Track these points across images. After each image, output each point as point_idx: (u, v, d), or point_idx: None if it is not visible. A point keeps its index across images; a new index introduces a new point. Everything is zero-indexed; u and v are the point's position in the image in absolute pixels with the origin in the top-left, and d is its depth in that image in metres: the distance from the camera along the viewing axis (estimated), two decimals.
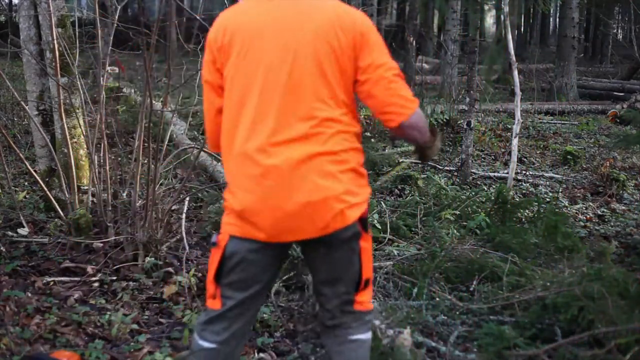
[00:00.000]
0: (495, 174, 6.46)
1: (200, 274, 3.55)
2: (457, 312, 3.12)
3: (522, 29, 29.22)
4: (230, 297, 1.99)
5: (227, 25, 1.96)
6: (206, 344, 2.02)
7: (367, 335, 2.09)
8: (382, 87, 1.92)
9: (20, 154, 4.06)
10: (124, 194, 4.15)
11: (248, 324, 2.06)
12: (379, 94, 1.92)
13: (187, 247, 3.81)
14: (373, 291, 3.28)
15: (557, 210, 4.64)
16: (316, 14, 1.92)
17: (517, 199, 5.09)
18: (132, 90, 8.96)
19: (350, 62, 1.91)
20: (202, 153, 4.91)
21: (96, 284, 3.44)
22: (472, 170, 6.37)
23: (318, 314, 2.16)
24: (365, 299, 2.05)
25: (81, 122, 4.17)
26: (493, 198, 4.70)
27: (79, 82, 4.06)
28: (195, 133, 6.99)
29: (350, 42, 1.90)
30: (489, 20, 25.74)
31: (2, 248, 3.72)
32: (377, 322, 2.77)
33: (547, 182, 6.32)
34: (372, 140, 7.00)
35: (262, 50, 1.90)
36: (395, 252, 3.92)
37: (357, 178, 1.92)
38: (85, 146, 4.28)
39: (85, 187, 4.18)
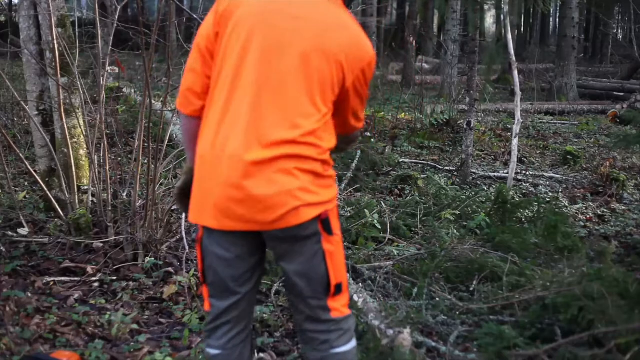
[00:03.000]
0: (495, 174, 6.46)
1: (199, 274, 3.54)
2: (457, 312, 3.12)
3: (522, 29, 29.24)
4: (216, 297, 2.00)
5: None
6: (212, 351, 2.02)
7: (350, 346, 1.99)
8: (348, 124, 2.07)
9: (20, 154, 4.06)
10: (124, 194, 4.15)
11: (247, 326, 2.04)
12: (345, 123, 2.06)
13: (187, 247, 3.81)
14: (373, 291, 3.28)
15: (557, 210, 4.63)
16: (333, 28, 1.89)
17: (517, 199, 5.08)
18: (132, 90, 8.96)
19: (346, 86, 1.92)
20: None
21: (96, 284, 3.45)
22: (472, 170, 6.37)
23: (295, 322, 2.08)
24: (340, 305, 1.96)
25: (81, 122, 4.17)
26: (493, 198, 4.70)
27: (79, 82, 4.06)
28: None
29: (356, 71, 1.91)
30: (489, 20, 25.76)
31: (2, 248, 3.72)
32: (377, 322, 2.77)
33: (547, 182, 6.32)
34: (372, 140, 7.00)
35: (260, 37, 1.85)
36: (395, 252, 3.92)
37: (317, 179, 1.85)
38: (85, 146, 4.28)
39: (85, 187, 4.18)
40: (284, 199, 1.79)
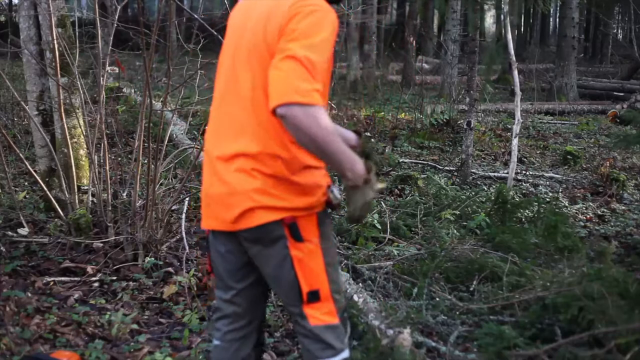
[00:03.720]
0: (495, 174, 6.46)
1: (200, 274, 3.55)
2: (457, 312, 3.12)
3: (522, 29, 29.25)
4: (219, 288, 2.04)
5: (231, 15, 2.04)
6: (214, 341, 2.07)
7: (336, 359, 1.89)
8: (273, 68, 1.68)
9: (20, 154, 4.06)
10: (124, 194, 4.15)
11: (248, 325, 2.03)
12: (269, 76, 1.70)
13: (187, 247, 3.81)
14: (373, 291, 3.28)
15: (557, 210, 4.63)
16: (259, 8, 1.85)
17: (517, 199, 5.08)
18: (132, 90, 8.96)
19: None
20: (202, 153, 4.90)
21: (96, 284, 3.45)
22: (472, 170, 6.37)
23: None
24: (320, 313, 1.87)
25: (81, 122, 4.18)
26: (493, 198, 4.70)
27: (79, 82, 4.06)
28: (195, 133, 6.99)
29: (276, 33, 1.74)
30: (489, 20, 25.76)
31: (2, 248, 3.72)
32: (377, 322, 2.77)
33: (547, 182, 6.32)
34: (372, 140, 7.00)
35: (225, 47, 1.96)
36: (395, 252, 3.92)
37: (282, 183, 1.79)
38: (85, 146, 4.28)
39: (85, 187, 4.18)
40: (239, 198, 1.80)
